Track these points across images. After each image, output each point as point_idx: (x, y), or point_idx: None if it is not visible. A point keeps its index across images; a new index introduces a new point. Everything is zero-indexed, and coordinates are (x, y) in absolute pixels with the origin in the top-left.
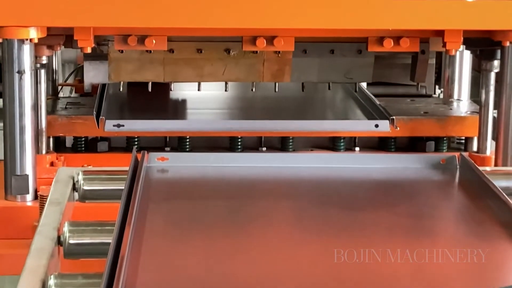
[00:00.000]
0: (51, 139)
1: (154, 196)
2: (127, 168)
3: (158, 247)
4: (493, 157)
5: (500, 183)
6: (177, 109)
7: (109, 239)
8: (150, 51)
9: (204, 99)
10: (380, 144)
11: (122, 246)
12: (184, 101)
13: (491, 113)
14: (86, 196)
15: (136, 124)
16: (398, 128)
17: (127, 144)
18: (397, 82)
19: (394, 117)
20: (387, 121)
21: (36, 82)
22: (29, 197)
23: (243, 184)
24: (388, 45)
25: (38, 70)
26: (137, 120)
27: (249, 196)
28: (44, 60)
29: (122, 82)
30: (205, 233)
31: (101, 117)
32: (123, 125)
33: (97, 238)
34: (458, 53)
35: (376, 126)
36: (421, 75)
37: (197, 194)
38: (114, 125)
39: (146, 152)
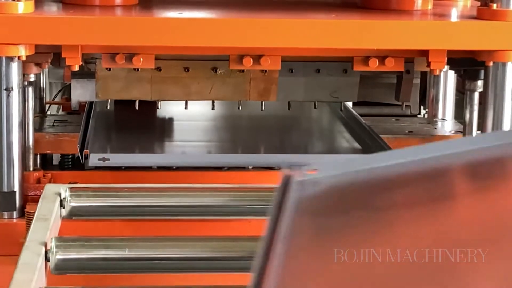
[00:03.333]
0: (38, 156)
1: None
2: (112, 185)
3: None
4: None
5: None
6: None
7: (96, 254)
8: (138, 70)
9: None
10: None
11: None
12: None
13: (475, 132)
14: (73, 213)
15: (122, 158)
16: None
17: None
18: (382, 102)
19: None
20: None
21: (24, 99)
22: (16, 214)
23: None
24: (373, 65)
25: (26, 88)
26: (122, 154)
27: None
28: (32, 77)
29: (109, 100)
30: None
31: (85, 149)
32: (108, 159)
33: (84, 253)
34: (442, 73)
35: None
36: (405, 95)
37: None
38: (99, 159)
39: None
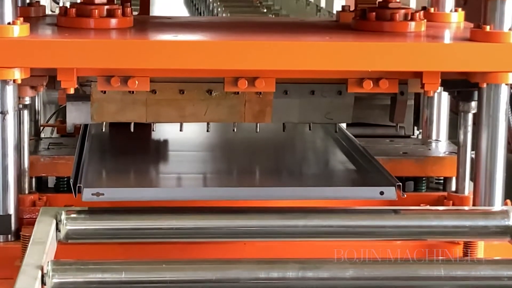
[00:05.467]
0: (33, 179)
1: None
2: (108, 208)
3: None
4: (471, 197)
5: (478, 223)
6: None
7: (93, 278)
8: (133, 92)
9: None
10: None
11: None
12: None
13: (469, 153)
14: (69, 236)
15: (117, 192)
16: (405, 195)
17: None
18: (376, 123)
19: (400, 184)
20: (393, 188)
21: (19, 122)
22: (11, 237)
23: None
24: (368, 86)
25: (21, 111)
26: (117, 188)
27: None
28: (27, 100)
29: (104, 123)
30: None
31: (78, 184)
32: (102, 194)
33: (80, 277)
34: (436, 94)
35: (381, 193)
36: (400, 116)
37: None
38: (93, 194)
39: None
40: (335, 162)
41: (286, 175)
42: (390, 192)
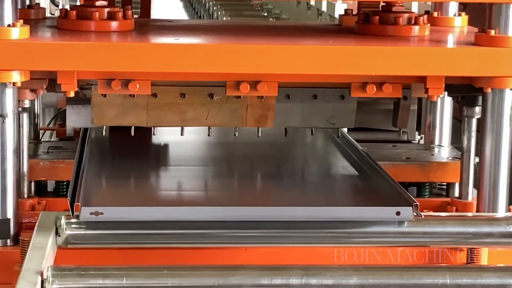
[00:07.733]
0: (32, 183)
1: None
2: None
3: None
4: (475, 203)
5: (482, 229)
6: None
7: (93, 284)
8: (134, 96)
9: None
10: None
11: None
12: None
13: (473, 159)
14: (68, 241)
15: (116, 211)
16: (423, 216)
17: None
18: (379, 128)
19: (417, 203)
20: (410, 208)
21: (19, 126)
22: (10, 241)
23: None
24: (371, 91)
25: (20, 114)
26: (116, 207)
27: None
28: (27, 104)
29: (104, 126)
30: None
31: (76, 203)
32: (101, 213)
33: (81, 283)
34: (439, 99)
35: (398, 213)
36: (403, 121)
37: None
38: (91, 213)
39: None
40: (343, 174)
41: (294, 191)
42: (407, 213)
